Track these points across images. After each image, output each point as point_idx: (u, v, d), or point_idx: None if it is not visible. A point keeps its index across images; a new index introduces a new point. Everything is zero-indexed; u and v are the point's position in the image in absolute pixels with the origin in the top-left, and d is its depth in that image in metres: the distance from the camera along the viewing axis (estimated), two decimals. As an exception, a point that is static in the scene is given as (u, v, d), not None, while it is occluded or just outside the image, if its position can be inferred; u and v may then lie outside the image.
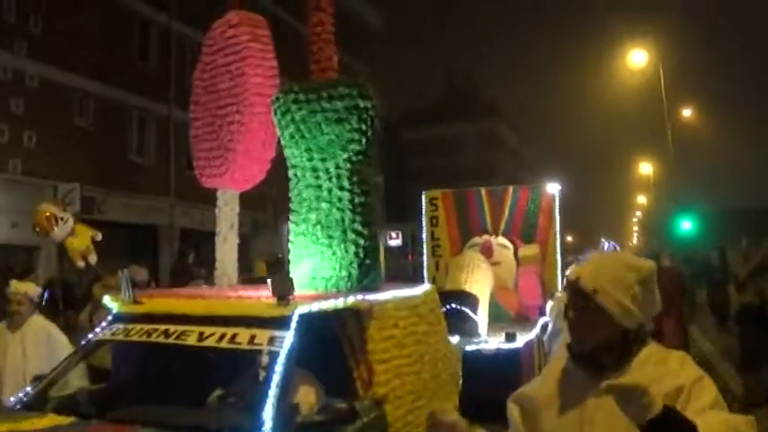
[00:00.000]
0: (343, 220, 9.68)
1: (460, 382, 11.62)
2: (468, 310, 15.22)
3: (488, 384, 13.13)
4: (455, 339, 12.25)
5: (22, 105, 31.28)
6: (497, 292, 18.18)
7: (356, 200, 9.66)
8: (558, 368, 4.67)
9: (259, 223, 44.41)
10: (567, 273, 4.64)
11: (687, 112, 61.08)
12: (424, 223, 22.48)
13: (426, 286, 11.57)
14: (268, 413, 6.72)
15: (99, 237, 16.22)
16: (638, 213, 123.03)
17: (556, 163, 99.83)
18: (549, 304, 15.15)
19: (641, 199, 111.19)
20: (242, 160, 11.73)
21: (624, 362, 4.32)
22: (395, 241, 60.11)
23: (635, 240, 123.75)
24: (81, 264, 16.17)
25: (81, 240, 16.21)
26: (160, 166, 39.97)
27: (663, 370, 4.23)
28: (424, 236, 22.71)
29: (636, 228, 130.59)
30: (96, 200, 32.71)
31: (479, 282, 16.62)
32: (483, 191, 21.93)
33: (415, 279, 21.81)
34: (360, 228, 9.60)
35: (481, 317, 15.61)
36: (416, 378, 9.35)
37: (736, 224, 56.55)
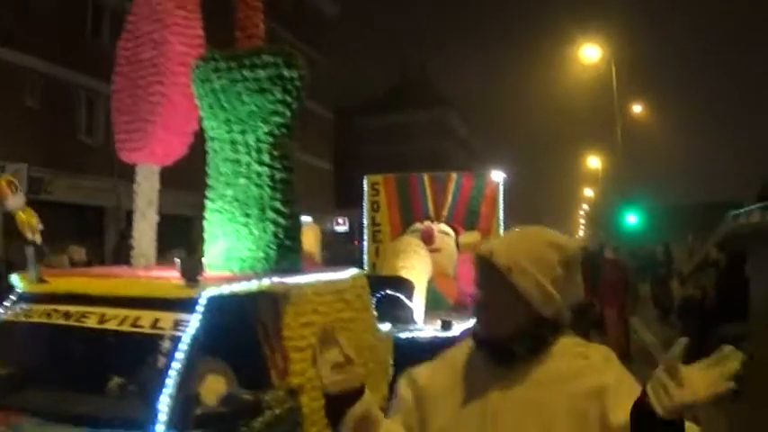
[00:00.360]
0: (261, 198, 8.93)
1: (391, 371, 11.05)
2: (403, 297, 14.80)
3: None
4: (386, 327, 11.88)
5: (-29, 86, 30.30)
6: (436, 279, 17.66)
7: (277, 176, 8.93)
8: (457, 356, 4.03)
9: (201, 205, 43.79)
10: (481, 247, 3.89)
11: (638, 108, 61.29)
12: (365, 208, 21.74)
13: (354, 271, 10.69)
14: (164, 404, 6.20)
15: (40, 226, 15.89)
16: (585, 206, 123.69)
17: (505, 153, 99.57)
18: None
19: (588, 192, 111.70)
20: (162, 133, 10.67)
21: (538, 352, 3.67)
22: (341, 227, 60.00)
23: (581, 233, 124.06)
24: (30, 236, 15.96)
25: (30, 215, 16.06)
26: (108, 146, 38.21)
27: (584, 364, 3.63)
28: (365, 221, 22.05)
29: (582, 220, 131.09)
30: (43, 180, 32.01)
31: (416, 268, 16.05)
32: (426, 176, 21.21)
33: (360, 265, 19.57)
34: (279, 206, 8.85)
35: (417, 304, 15.22)
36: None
37: (683, 220, 56.55)
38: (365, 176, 21.99)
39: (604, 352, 3.71)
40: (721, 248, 16.14)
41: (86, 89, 37.33)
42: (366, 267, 20.55)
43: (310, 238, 17.51)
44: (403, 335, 13.56)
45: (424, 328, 14.41)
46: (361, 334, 9.75)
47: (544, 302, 3.60)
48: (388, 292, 14.74)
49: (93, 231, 37.21)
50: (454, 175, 20.98)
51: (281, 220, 8.87)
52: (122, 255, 22.77)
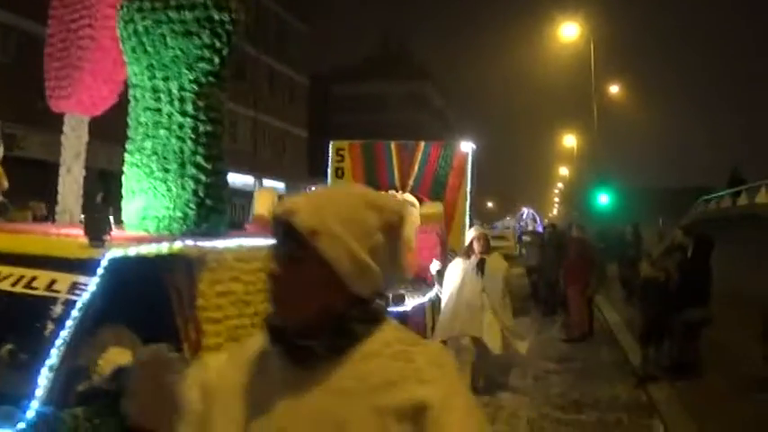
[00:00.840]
0: (182, 152, 7.80)
1: None
2: None
3: None
4: None
5: (-58, 40, 29.56)
6: None
7: (201, 128, 7.76)
8: (252, 349, 2.98)
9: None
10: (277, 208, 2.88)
11: (614, 89, 60.98)
12: (329, 175, 21.44)
13: None
14: (44, 376, 5.38)
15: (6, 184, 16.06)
16: (560, 185, 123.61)
17: (481, 128, 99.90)
18: (435, 266, 14.73)
19: (563, 171, 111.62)
20: (90, 80, 9.91)
21: (345, 349, 2.72)
22: (313, 194, 59.20)
23: (555, 211, 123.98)
24: None
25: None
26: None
27: (404, 369, 2.69)
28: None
29: (557, 199, 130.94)
30: (16, 137, 31.41)
31: None
32: (393, 144, 20.75)
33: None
34: (202, 161, 7.71)
35: None
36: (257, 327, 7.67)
37: (655, 203, 56.33)
38: (330, 142, 21.57)
39: (435, 354, 2.80)
40: (688, 232, 15.86)
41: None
42: None
43: (266, 203, 18.04)
44: None
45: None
46: None
47: (359, 277, 2.72)
48: None
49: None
50: (422, 144, 20.49)
51: (203, 177, 7.75)
52: (90, 213, 22.52)
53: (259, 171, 59.52)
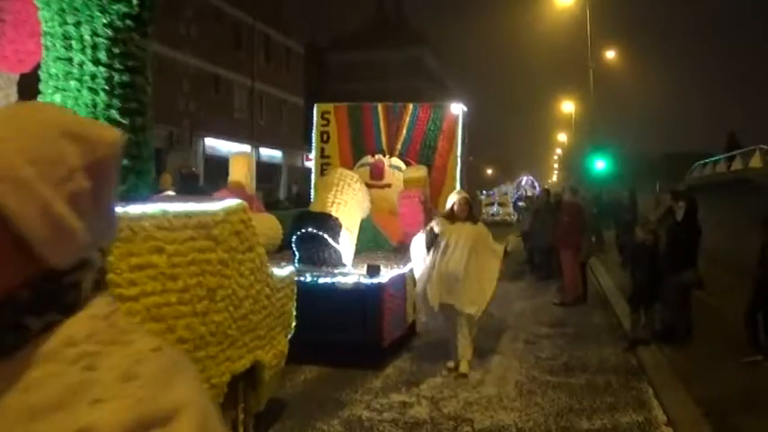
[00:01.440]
0: (94, 105, 7.00)
1: (292, 322, 10.11)
2: (326, 236, 13.93)
3: (338, 325, 12.90)
4: (286, 270, 10.01)
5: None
6: (378, 217, 17.21)
7: (116, 79, 7.00)
8: None
9: (173, 137, 43.28)
10: None
11: (611, 54, 60.74)
12: (314, 139, 20.99)
13: (231, 202, 8.24)
14: None
15: None
16: (559, 151, 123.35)
17: (480, 95, 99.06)
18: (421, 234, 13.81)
19: (562, 137, 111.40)
20: (12, 33, 9.04)
21: (10, 349, 1.71)
22: (310, 162, 59.16)
23: (554, 177, 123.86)
24: None
25: None
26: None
27: (78, 382, 1.67)
28: (312, 153, 21.23)
29: (556, 165, 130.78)
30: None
31: (349, 204, 14.83)
32: (380, 106, 20.39)
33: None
34: (117, 116, 6.94)
35: (345, 244, 14.29)
36: (197, 322, 6.94)
37: (652, 168, 56.28)
38: (315, 104, 21.25)
39: (133, 358, 1.73)
40: (676, 196, 15.80)
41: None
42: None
43: (242, 168, 17.32)
44: (321, 279, 13.03)
45: (350, 273, 13.53)
46: (240, 279, 8.14)
47: (54, 239, 1.70)
48: (309, 230, 13.99)
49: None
50: (410, 107, 20.07)
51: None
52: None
53: (256, 140, 59.43)
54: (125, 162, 6.78)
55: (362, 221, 15.63)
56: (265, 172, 60.35)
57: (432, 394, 11.58)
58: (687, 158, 47.63)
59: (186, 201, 7.49)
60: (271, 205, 33.82)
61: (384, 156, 19.56)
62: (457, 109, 19.83)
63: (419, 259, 13.47)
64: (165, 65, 45.95)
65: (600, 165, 48.40)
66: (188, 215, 7.02)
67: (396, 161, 19.28)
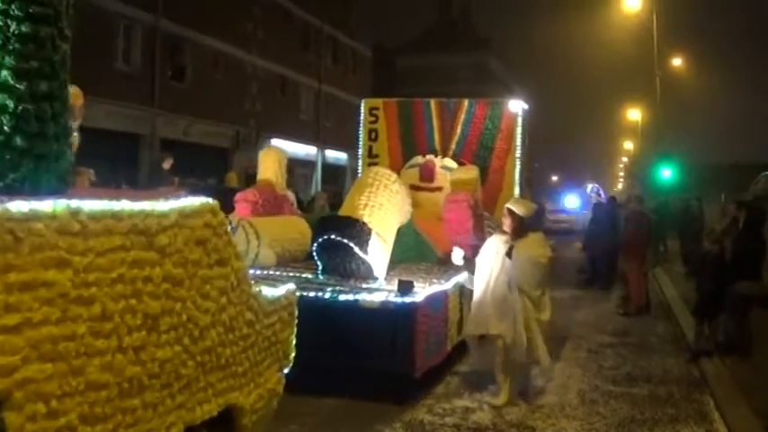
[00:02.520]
0: None
1: (290, 352, 8.14)
2: (352, 244, 11.92)
3: (361, 350, 10.74)
4: (280, 289, 8.03)
5: (5, 12, 29.40)
6: (424, 223, 15.15)
7: (12, 29, 5.05)
8: None
9: (240, 137, 43.62)
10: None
11: (677, 61, 60.15)
12: (360, 137, 19.66)
13: (192, 200, 6.33)
14: None
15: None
16: (625, 159, 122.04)
17: (545, 100, 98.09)
18: (457, 255, 12.71)
19: (628, 145, 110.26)
20: None
21: None
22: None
23: (620, 185, 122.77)
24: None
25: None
26: (145, 75, 38.25)
27: None
28: (360, 152, 19.75)
29: (622, 173, 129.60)
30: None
31: (384, 207, 12.75)
32: (432, 102, 19.00)
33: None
34: (10, 78, 5.14)
35: (376, 254, 12.20)
36: (126, 360, 5.15)
37: (718, 178, 55.60)
38: (363, 100, 20.02)
39: None
40: (743, 206, 15.62)
41: (123, 17, 36.85)
42: None
43: (272, 164, 16.09)
44: (342, 296, 10.95)
45: (377, 289, 11.42)
46: (200, 302, 6.12)
47: None
48: (332, 237, 12.10)
49: (126, 158, 36.90)
50: (466, 103, 18.67)
51: (11, 102, 5.11)
52: (155, 178, 22.83)
53: (322, 141, 59.29)
54: (18, 142, 5.25)
55: (403, 228, 13.74)
56: (331, 174, 60.35)
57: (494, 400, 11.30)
58: (755, 168, 47.08)
59: (122, 196, 5.57)
60: (336, 207, 33.73)
61: (436, 156, 18.00)
62: (516, 106, 18.45)
63: (481, 272, 11.58)
64: (233, 65, 46.08)
65: (666, 173, 47.83)
66: (116, 216, 5.25)
67: (448, 162, 17.58)
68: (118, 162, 34.21)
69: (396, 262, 13.32)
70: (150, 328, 5.40)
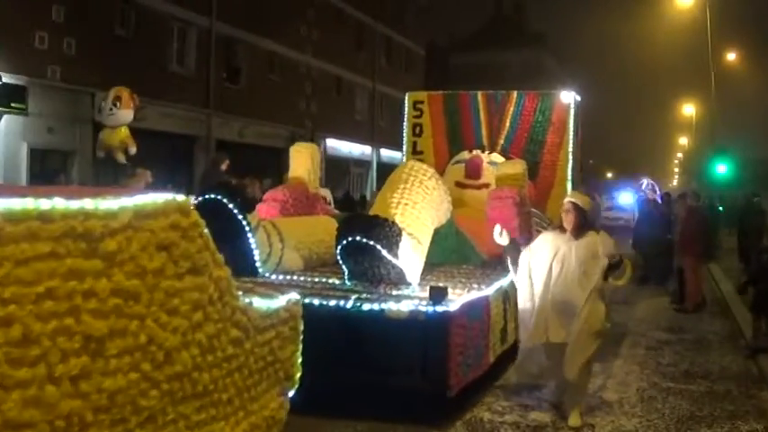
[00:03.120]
0: None
1: (294, 373, 7.45)
2: (379, 247, 10.54)
3: (388, 365, 9.53)
4: (280, 300, 7.17)
5: (62, 13, 29.79)
6: (468, 223, 13.82)
7: None
8: None
9: (295, 138, 43.78)
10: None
11: (732, 56, 59.68)
12: (405, 132, 18.69)
13: (146, 198, 5.30)
14: None
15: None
16: (680, 155, 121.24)
17: (599, 96, 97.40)
18: (501, 236, 10.67)
19: (683, 140, 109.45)
20: None
21: None
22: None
23: (675, 182, 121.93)
24: (122, 158, 18.52)
25: (120, 133, 18.55)
26: (200, 77, 38.27)
27: None
28: (404, 148, 18.78)
29: (677, 169, 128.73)
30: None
31: (418, 205, 11.49)
32: (480, 95, 17.96)
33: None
34: None
35: (408, 256, 10.90)
36: (58, 393, 4.25)
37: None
38: (407, 93, 19.00)
39: None
40: None
41: (178, 19, 36.89)
42: None
43: (304, 161, 15.07)
44: (366, 305, 9.54)
45: (407, 296, 10.04)
46: (165, 319, 5.17)
47: None
48: (357, 238, 10.72)
49: (182, 159, 37.04)
50: (515, 95, 17.64)
51: None
52: (210, 179, 22.93)
53: (377, 141, 59.14)
54: None
55: (442, 228, 12.59)
56: (386, 173, 60.32)
57: (553, 398, 10.98)
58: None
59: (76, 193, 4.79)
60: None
61: (483, 151, 17.05)
62: (568, 97, 17.43)
63: (533, 272, 10.29)
64: (287, 66, 45.93)
65: (721, 169, 47.32)
66: (43, 217, 4.32)
67: (496, 157, 16.54)
68: (174, 164, 34.40)
69: (434, 265, 12.37)
70: (94, 352, 4.48)
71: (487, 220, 13.42)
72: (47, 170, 28.21)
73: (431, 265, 12.10)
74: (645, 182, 29.47)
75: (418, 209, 11.45)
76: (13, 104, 27.50)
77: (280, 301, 7.07)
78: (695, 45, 57.00)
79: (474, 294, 10.49)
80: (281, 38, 44.47)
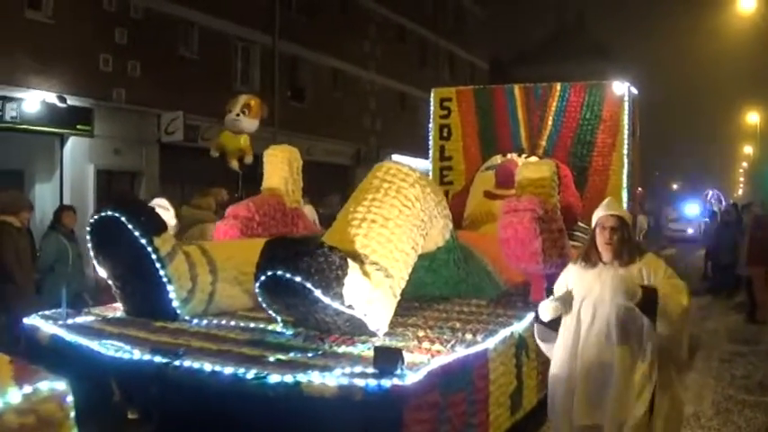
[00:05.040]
0: None
1: None
2: (311, 286, 7.11)
3: None
4: (16, 393, 4.44)
5: (126, 35, 29.79)
6: (488, 245, 10.80)
7: None
8: None
9: (361, 155, 43.59)
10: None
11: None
12: (431, 135, 16.27)
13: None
14: None
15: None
16: (745, 164, 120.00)
17: (663, 108, 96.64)
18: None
19: (748, 149, 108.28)
20: None
21: None
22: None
23: (740, 191, 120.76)
24: (235, 165, 18.29)
25: (241, 140, 17.91)
26: (264, 96, 38.06)
27: None
28: (430, 153, 16.28)
29: (741, 179, 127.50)
30: (200, 128, 31.50)
31: (391, 222, 8.05)
32: (516, 89, 15.49)
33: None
34: None
35: (372, 295, 7.47)
36: None
37: None
38: (432, 89, 16.40)
39: None
40: None
41: (241, 39, 36.75)
42: None
43: (280, 168, 12.10)
44: (274, 377, 6.19)
45: (336, 366, 6.38)
46: None
47: None
48: (278, 272, 7.29)
49: (250, 178, 37.08)
50: (558, 88, 15.19)
51: None
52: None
53: (442, 156, 58.65)
54: None
55: (440, 252, 9.65)
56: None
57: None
58: None
59: None
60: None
61: (521, 155, 14.63)
62: (621, 88, 14.75)
63: (546, 348, 7.47)
64: (351, 83, 45.59)
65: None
66: None
67: (534, 161, 12.76)
68: (243, 181, 34.38)
69: (431, 301, 9.72)
70: None
71: (501, 242, 10.13)
72: (113, 191, 28.17)
73: (427, 302, 9.65)
74: (710, 192, 29.13)
75: (391, 228, 8.02)
76: (79, 126, 27.29)
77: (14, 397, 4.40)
78: (757, 53, 56.40)
79: (460, 352, 6.97)
80: (344, 55, 44.19)
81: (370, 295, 7.47)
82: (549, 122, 15.04)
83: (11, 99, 24.64)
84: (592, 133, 14.62)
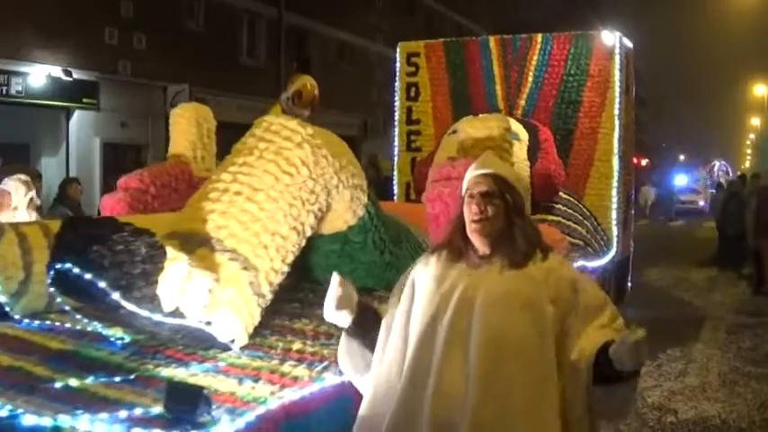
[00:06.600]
0: None
1: None
2: (102, 283, 5.24)
3: None
4: None
5: (131, 8, 29.65)
6: (421, 215, 7.90)
7: None
8: None
9: (368, 126, 43.45)
10: None
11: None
12: (396, 95, 14.23)
13: None
14: None
15: None
16: (752, 136, 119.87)
17: (672, 82, 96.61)
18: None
19: (755, 121, 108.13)
20: None
21: None
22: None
23: (747, 164, 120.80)
24: None
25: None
26: (270, 68, 37.96)
27: None
28: (396, 116, 14.28)
29: (749, 150, 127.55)
30: (207, 100, 31.54)
31: (261, 195, 5.70)
32: (492, 40, 13.39)
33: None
34: None
35: (224, 295, 5.22)
36: None
37: None
38: (399, 43, 14.50)
39: None
40: None
41: (247, 11, 36.63)
42: (396, 195, 13.94)
43: (186, 130, 9.38)
44: (28, 417, 3.95)
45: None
46: None
47: None
48: (67, 264, 5.39)
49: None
50: (539, 40, 13.03)
51: None
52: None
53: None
54: None
55: (353, 232, 6.60)
56: (456, 159, 60.14)
57: (635, 383, 10.90)
58: None
59: None
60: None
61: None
62: (610, 39, 12.65)
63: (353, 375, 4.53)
64: (358, 55, 45.45)
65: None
66: None
67: (515, 125, 10.83)
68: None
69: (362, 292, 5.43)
70: None
71: (429, 219, 7.62)
72: (120, 164, 28.09)
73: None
74: (717, 164, 28.98)
75: (260, 201, 5.67)
76: (84, 100, 27.19)
77: None
78: (765, 25, 56.42)
79: (329, 380, 4.78)
80: (351, 27, 43.98)
81: (217, 296, 5.16)
82: (529, 79, 13.04)
83: (17, 73, 24.51)
84: (578, 91, 12.64)
